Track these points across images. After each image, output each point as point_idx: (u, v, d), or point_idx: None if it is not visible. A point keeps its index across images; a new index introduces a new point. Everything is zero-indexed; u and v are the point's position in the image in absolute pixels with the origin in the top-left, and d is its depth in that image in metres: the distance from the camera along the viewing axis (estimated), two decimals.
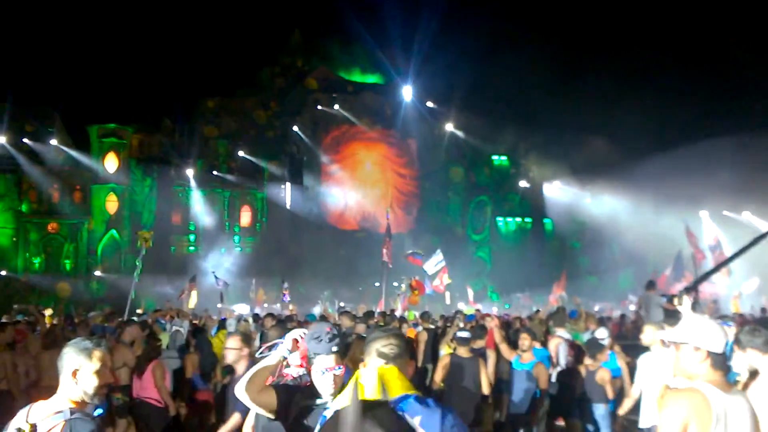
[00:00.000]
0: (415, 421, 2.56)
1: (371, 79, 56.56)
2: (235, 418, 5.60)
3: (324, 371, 3.55)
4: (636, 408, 7.45)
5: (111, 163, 45.43)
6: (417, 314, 17.30)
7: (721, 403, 3.14)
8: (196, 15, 47.23)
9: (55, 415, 3.21)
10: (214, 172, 48.76)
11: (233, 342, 6.19)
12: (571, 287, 30.52)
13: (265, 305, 30.84)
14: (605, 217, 44.08)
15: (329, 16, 51.38)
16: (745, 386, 4.46)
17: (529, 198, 54.92)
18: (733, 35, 45.20)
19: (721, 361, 3.30)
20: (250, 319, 15.05)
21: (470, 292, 28.51)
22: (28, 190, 44.63)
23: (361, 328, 10.03)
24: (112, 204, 45.58)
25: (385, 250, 20.91)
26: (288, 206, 50.12)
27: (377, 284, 27.17)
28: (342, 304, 27.98)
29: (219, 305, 24.76)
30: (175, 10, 45.98)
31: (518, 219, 55.89)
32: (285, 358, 3.73)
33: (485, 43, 45.68)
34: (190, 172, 47.13)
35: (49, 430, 3.17)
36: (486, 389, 8.10)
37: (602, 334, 9.43)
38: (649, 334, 7.40)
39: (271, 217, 50.14)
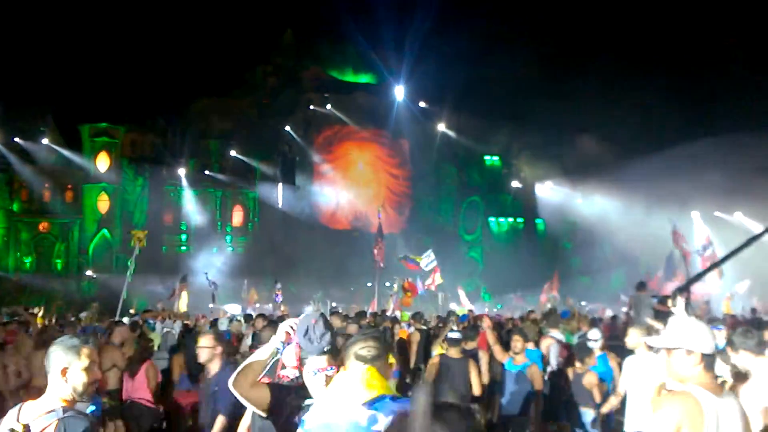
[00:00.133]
0: (390, 420, 2.62)
1: (363, 79, 56.57)
2: (220, 421, 5.40)
3: (316, 372, 3.47)
4: (622, 411, 7.39)
5: (102, 162, 45.28)
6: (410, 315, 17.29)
7: (713, 406, 3.16)
8: (188, 14, 47.00)
9: (48, 414, 3.18)
10: (206, 172, 48.68)
11: (206, 340, 5.99)
12: (564, 288, 30.63)
13: (257, 305, 30.72)
14: (597, 217, 44.13)
15: (322, 16, 51.03)
16: (733, 388, 4.49)
17: (521, 198, 54.96)
18: (723, 36, 45.45)
19: (713, 363, 3.32)
20: (242, 320, 15.03)
21: (462, 294, 28.46)
22: (19, 190, 44.46)
23: (352, 328, 9.98)
24: (103, 203, 45.43)
25: (376, 251, 20.92)
26: (280, 206, 50.02)
27: (369, 284, 27.13)
28: (334, 305, 27.88)
29: (210, 305, 24.74)
30: (167, 10, 45.77)
31: (510, 219, 56.03)
32: (278, 350, 3.64)
33: (477, 43, 45.63)
34: (182, 172, 47.06)
35: (42, 429, 3.14)
36: (477, 390, 8.05)
37: (595, 335, 9.42)
38: (633, 338, 7.31)
39: (263, 216, 50.09)
